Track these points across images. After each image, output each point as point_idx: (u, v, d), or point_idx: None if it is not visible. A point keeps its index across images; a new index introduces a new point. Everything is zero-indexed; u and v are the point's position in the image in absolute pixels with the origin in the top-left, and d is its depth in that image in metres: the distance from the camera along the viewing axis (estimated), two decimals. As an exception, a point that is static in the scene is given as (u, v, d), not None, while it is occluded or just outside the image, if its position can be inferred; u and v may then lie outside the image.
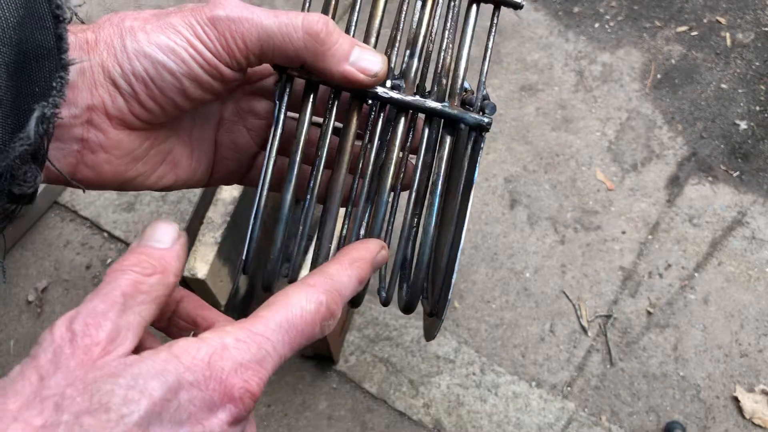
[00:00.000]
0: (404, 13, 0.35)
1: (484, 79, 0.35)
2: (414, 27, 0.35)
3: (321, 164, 0.34)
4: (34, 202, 0.30)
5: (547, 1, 1.88)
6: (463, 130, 0.35)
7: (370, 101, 0.34)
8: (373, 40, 0.35)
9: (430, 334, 0.38)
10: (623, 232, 1.51)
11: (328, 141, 0.34)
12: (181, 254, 0.30)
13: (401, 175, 0.37)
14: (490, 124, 0.34)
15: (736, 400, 1.31)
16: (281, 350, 0.28)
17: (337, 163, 0.35)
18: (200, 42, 0.30)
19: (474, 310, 1.43)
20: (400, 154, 0.36)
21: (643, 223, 1.52)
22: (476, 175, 0.35)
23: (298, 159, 0.34)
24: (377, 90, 0.34)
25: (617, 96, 1.70)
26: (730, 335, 1.38)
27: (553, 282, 1.45)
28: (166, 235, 0.30)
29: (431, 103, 0.34)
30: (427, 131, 0.35)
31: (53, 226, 1.58)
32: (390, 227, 0.36)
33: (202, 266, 1.04)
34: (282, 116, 0.34)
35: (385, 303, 0.36)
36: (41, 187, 1.34)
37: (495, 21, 0.35)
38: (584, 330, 1.40)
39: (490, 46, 0.35)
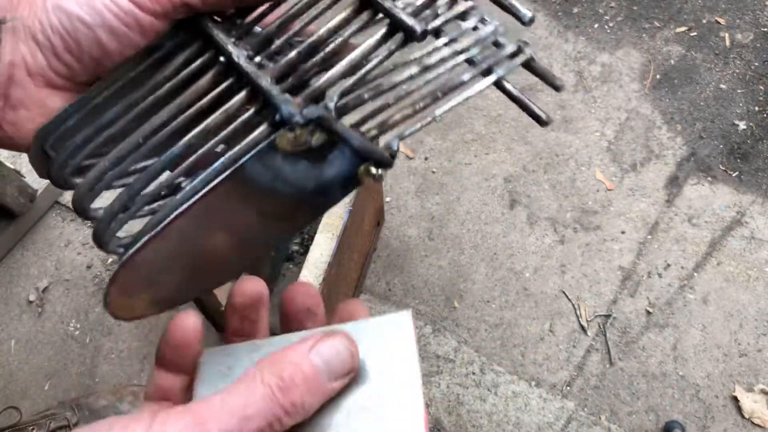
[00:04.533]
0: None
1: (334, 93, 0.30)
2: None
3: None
4: None
5: (546, 1, 1.88)
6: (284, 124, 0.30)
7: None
8: None
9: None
10: (622, 232, 1.51)
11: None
12: (336, 391, 0.28)
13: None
14: (300, 125, 0.28)
15: (735, 399, 1.32)
16: None
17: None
18: None
19: (474, 309, 1.44)
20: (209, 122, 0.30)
21: (642, 223, 1.52)
22: (247, 159, 0.29)
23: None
24: (228, 47, 0.30)
25: (616, 96, 1.70)
26: (729, 335, 1.38)
27: (553, 282, 1.46)
28: (340, 366, 0.28)
29: (264, 80, 0.29)
30: (251, 111, 0.30)
31: (54, 226, 1.58)
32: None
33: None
34: None
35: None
36: (42, 187, 1.34)
37: (393, 47, 0.31)
38: (584, 330, 1.40)
39: (372, 62, 0.30)
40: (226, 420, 0.25)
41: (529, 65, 0.31)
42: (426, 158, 1.63)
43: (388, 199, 1.57)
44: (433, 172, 1.61)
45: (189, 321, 0.32)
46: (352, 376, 0.28)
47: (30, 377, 1.42)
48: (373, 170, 0.31)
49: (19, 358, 1.44)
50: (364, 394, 0.28)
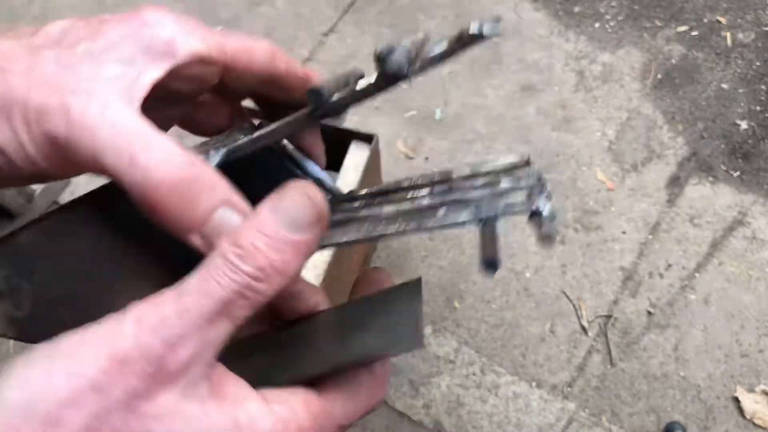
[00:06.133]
0: None
1: None
2: None
3: None
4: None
5: (547, 0, 1.88)
6: None
7: None
8: None
9: None
10: (624, 232, 1.50)
11: None
12: (311, 246, 0.25)
13: None
14: None
15: (736, 400, 1.31)
16: None
17: None
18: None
19: (474, 310, 1.43)
20: None
21: (643, 223, 1.51)
22: None
23: None
24: None
25: (617, 96, 1.70)
26: (731, 335, 1.38)
27: (554, 282, 1.45)
28: (302, 214, 0.24)
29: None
30: None
31: (53, 226, 1.57)
32: None
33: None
34: None
35: None
36: (40, 187, 1.34)
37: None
38: (584, 330, 1.40)
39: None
40: (204, 302, 0.23)
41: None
42: (426, 158, 1.63)
43: (388, 198, 1.56)
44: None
45: None
46: (322, 225, 0.25)
47: (29, 378, 1.41)
48: None
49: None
50: (367, 311, 0.29)
